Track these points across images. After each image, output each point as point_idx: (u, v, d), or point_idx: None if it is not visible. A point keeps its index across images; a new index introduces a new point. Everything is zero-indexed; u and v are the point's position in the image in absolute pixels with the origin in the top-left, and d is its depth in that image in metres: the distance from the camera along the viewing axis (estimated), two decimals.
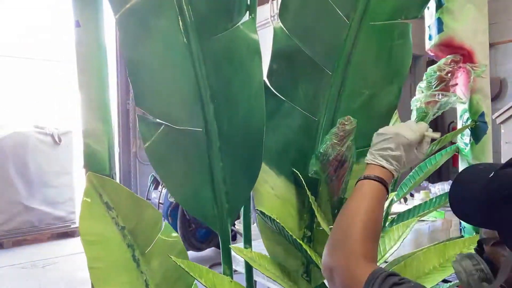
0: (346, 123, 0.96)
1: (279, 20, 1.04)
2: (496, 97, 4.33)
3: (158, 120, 0.99)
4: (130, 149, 5.30)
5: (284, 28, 1.03)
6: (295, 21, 1.04)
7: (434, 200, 1.25)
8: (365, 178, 0.84)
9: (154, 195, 4.45)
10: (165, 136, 0.99)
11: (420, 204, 1.27)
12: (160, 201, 4.25)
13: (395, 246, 1.07)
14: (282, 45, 1.04)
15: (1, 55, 6.11)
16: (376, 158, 0.86)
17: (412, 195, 3.01)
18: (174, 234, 1.09)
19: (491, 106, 1.08)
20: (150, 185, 4.58)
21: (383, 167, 0.85)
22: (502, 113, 3.59)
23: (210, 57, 0.98)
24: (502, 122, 3.63)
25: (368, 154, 0.88)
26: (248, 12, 1.01)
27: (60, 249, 4.95)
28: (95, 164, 1.01)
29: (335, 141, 0.97)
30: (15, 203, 5.21)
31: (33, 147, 5.37)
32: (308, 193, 1.03)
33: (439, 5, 1.05)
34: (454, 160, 4.90)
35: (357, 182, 0.85)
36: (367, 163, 0.87)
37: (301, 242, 1.02)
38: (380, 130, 0.90)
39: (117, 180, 1.05)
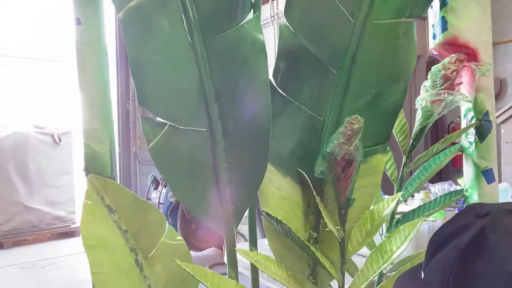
0: (353, 122, 0.94)
1: (284, 18, 1.03)
2: (496, 97, 4.33)
3: (161, 120, 0.96)
4: (130, 149, 5.30)
5: (290, 26, 1.01)
6: (300, 18, 1.02)
7: (438, 199, 1.23)
8: None
9: (154, 195, 4.45)
10: (169, 137, 0.96)
11: (424, 204, 1.24)
12: (160, 201, 4.25)
13: (403, 246, 1.04)
14: (288, 43, 1.02)
15: (1, 55, 6.11)
16: None
17: (412, 195, 3.00)
18: (178, 237, 1.06)
19: None
20: (150, 185, 4.58)
21: None
22: (502, 113, 3.58)
23: (215, 55, 0.96)
24: (502, 122, 3.62)
25: None
26: (252, 10, 0.99)
27: (60, 249, 4.96)
28: (96, 166, 0.99)
29: (343, 141, 0.94)
30: (15, 203, 5.21)
31: (33, 147, 5.37)
32: (314, 193, 1.01)
33: (443, 4, 1.04)
34: (454, 160, 4.89)
35: None
36: None
37: (307, 243, 1.00)
38: None
39: (118, 181, 1.04)
